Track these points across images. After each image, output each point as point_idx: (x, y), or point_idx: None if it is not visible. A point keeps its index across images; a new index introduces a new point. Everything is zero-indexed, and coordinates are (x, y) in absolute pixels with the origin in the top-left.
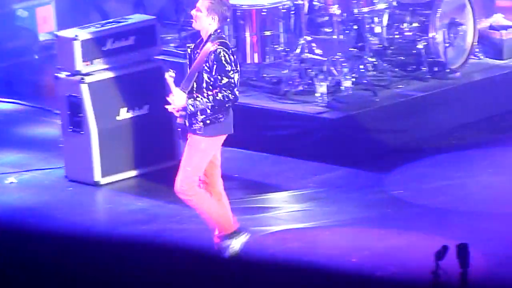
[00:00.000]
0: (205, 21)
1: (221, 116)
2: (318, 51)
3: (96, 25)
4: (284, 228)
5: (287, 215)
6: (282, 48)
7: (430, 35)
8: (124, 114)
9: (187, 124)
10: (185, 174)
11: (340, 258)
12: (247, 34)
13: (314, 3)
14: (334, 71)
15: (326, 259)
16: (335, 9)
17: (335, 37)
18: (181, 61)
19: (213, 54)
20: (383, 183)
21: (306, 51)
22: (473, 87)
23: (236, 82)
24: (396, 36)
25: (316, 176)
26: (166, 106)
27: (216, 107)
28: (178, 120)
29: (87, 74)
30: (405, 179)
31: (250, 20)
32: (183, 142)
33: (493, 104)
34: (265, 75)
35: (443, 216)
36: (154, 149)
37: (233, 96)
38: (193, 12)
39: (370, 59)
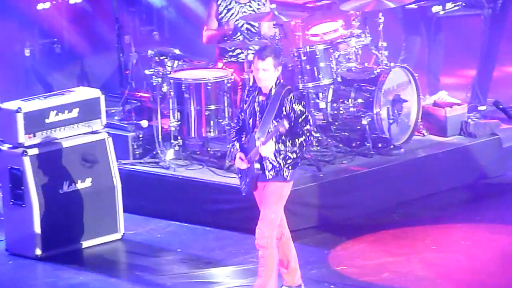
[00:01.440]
0: (274, 76)
1: (299, 161)
2: None
3: (40, 97)
4: None
5: None
6: (227, 122)
7: (375, 111)
8: (67, 187)
9: (268, 175)
10: (270, 221)
11: None
12: (192, 108)
13: None
14: None
15: None
16: None
17: None
18: (124, 134)
19: (289, 102)
20: (327, 258)
21: None
22: (417, 163)
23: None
24: (341, 112)
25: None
26: (241, 162)
27: (299, 153)
28: (256, 171)
29: (30, 147)
30: (348, 255)
31: (195, 94)
32: (252, 192)
33: (436, 181)
34: (210, 149)
35: None
36: (97, 222)
37: (311, 141)
38: (260, 74)
39: (314, 134)
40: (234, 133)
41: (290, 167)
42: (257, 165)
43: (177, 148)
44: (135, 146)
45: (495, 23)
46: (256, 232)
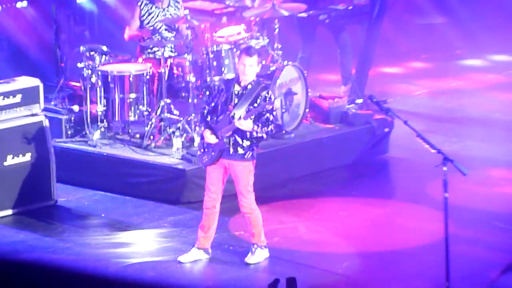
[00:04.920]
0: (256, 71)
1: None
2: (175, 111)
3: None
4: (142, 260)
5: (145, 250)
6: (145, 108)
7: None
8: (10, 160)
9: (233, 151)
10: (249, 194)
11: (192, 286)
12: (116, 96)
13: (174, 71)
14: (189, 129)
15: (177, 286)
16: (191, 77)
17: (190, 100)
18: (59, 116)
19: (263, 97)
20: (228, 224)
21: (166, 111)
22: (305, 146)
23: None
24: None
25: (170, 217)
26: (208, 139)
27: (266, 136)
28: (226, 146)
29: None
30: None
31: (119, 84)
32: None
33: (320, 161)
34: (130, 131)
35: (277, 253)
36: (35, 190)
37: (275, 128)
38: (247, 70)
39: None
40: (203, 114)
41: (255, 148)
42: (226, 140)
43: (103, 129)
44: (68, 127)
45: (371, 30)
46: (241, 204)
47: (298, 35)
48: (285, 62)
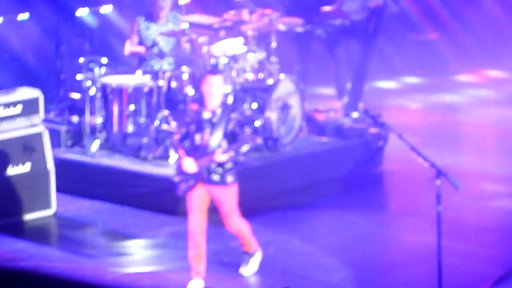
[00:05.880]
0: (222, 92)
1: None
2: (173, 123)
3: None
4: (139, 269)
5: (142, 259)
6: (144, 120)
7: (266, 114)
8: (10, 170)
9: (218, 179)
10: (234, 214)
11: None
12: (115, 108)
13: (172, 84)
14: None
15: None
16: (189, 90)
17: None
18: (58, 127)
19: (235, 117)
20: (223, 235)
21: (164, 123)
22: (300, 158)
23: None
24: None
25: (167, 227)
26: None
27: (243, 158)
28: (205, 175)
29: None
30: None
31: (117, 96)
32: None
33: (315, 173)
34: (129, 142)
35: (272, 264)
36: (34, 200)
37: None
38: (213, 90)
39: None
40: (177, 142)
41: (234, 171)
42: (205, 170)
43: (101, 140)
44: (67, 138)
45: (367, 46)
46: (227, 224)
47: (294, 49)
48: (282, 76)
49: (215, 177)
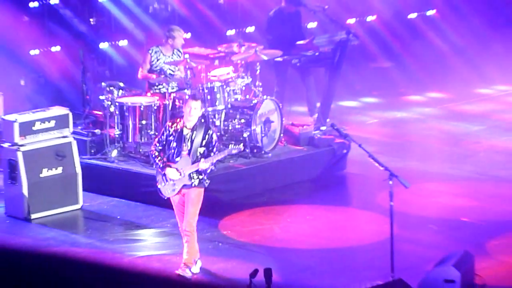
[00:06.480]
0: (199, 114)
1: None
2: None
3: (29, 112)
4: (150, 253)
5: (152, 245)
6: (153, 132)
7: (252, 128)
8: (45, 172)
9: (191, 183)
10: (195, 217)
11: None
12: (130, 122)
13: (176, 103)
14: None
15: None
16: None
17: None
18: (84, 138)
19: (211, 133)
20: (218, 225)
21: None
22: (279, 164)
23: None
24: (229, 128)
25: (172, 219)
26: (171, 176)
27: (213, 168)
28: (188, 181)
29: (22, 145)
30: (232, 223)
31: (132, 113)
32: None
33: (292, 176)
34: (141, 150)
35: (256, 248)
36: (64, 197)
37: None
38: (192, 111)
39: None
40: (157, 152)
41: (205, 176)
42: (187, 176)
43: (119, 149)
44: (91, 147)
45: (333, 72)
46: (185, 223)
47: (274, 75)
48: (265, 97)
49: (192, 182)
